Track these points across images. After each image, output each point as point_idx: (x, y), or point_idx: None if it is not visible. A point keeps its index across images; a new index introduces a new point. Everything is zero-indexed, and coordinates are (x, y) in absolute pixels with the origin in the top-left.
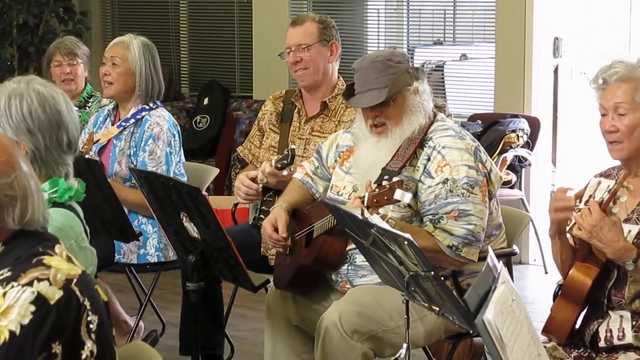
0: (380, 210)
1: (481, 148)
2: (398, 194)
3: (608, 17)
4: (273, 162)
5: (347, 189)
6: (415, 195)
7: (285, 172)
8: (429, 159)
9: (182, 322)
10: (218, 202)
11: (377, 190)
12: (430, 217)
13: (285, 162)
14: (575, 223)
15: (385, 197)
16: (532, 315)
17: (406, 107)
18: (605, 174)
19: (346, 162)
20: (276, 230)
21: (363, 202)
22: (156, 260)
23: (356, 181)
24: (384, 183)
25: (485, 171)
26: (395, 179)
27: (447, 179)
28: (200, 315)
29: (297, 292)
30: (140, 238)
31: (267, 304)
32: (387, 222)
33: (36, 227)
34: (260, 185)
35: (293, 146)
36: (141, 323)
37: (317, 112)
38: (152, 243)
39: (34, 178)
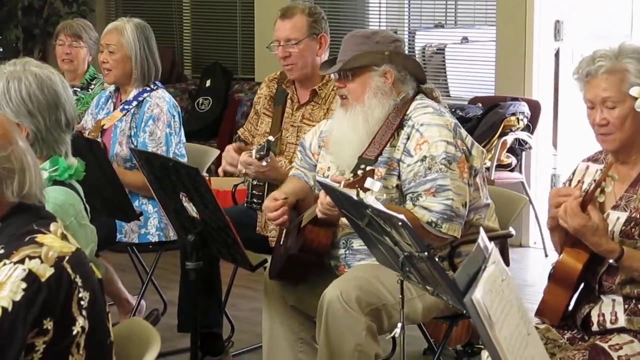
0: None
1: (460, 125)
2: (368, 182)
3: None
4: (253, 153)
5: (332, 170)
6: (400, 176)
7: (264, 163)
8: (408, 138)
9: (180, 300)
10: (219, 183)
11: (351, 179)
12: (410, 195)
13: (262, 153)
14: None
15: (357, 186)
16: (532, 297)
17: (368, 86)
18: (593, 159)
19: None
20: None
21: None
22: (157, 240)
23: (333, 158)
24: (359, 172)
25: (465, 148)
26: (368, 168)
27: (425, 157)
28: (199, 294)
29: (287, 283)
30: (140, 218)
31: (264, 284)
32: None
33: (34, 201)
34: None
35: (270, 137)
36: (142, 302)
37: (307, 99)
38: (152, 223)
39: (30, 153)
